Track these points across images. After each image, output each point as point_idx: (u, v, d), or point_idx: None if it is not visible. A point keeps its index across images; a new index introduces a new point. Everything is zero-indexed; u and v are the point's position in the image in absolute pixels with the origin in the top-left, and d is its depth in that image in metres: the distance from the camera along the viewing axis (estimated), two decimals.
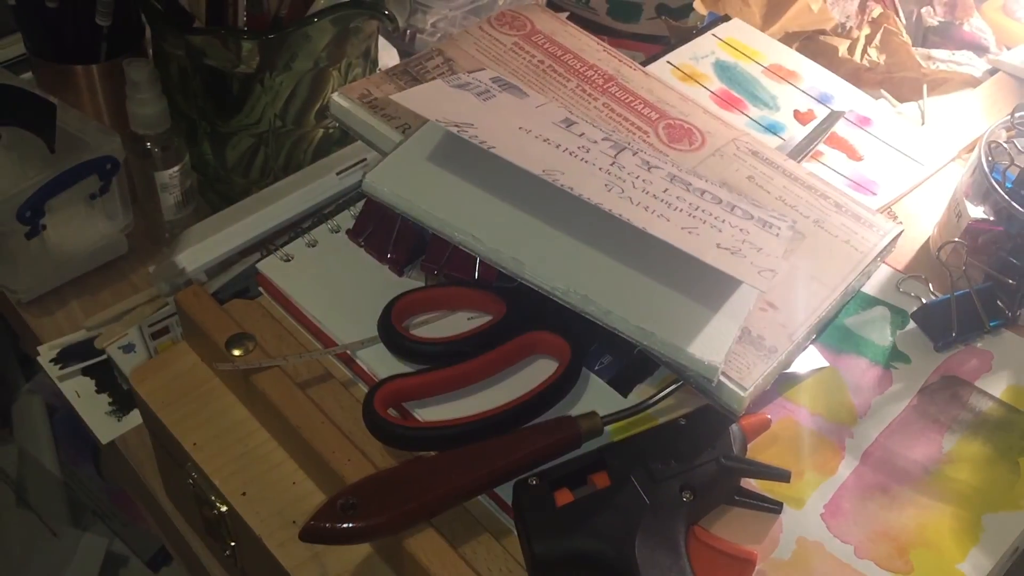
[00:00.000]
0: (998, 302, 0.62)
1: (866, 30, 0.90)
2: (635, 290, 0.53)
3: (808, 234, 0.60)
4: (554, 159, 0.56)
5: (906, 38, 0.89)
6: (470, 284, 0.59)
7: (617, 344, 0.54)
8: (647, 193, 0.56)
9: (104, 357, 0.73)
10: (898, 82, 0.85)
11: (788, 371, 0.56)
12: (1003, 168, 0.66)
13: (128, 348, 0.72)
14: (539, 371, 0.56)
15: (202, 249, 0.71)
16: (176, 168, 0.76)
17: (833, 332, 0.61)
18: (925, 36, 0.96)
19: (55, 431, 1.09)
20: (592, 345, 0.58)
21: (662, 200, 0.56)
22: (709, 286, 0.53)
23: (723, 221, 0.56)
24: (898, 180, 0.72)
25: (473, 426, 0.52)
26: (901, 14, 0.94)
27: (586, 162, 0.57)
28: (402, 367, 0.56)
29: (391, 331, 0.56)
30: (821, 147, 0.72)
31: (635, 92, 0.68)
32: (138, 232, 0.80)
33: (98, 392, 0.72)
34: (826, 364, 0.59)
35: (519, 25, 0.72)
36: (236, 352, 0.58)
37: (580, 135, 0.60)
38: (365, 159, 0.76)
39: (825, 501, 0.53)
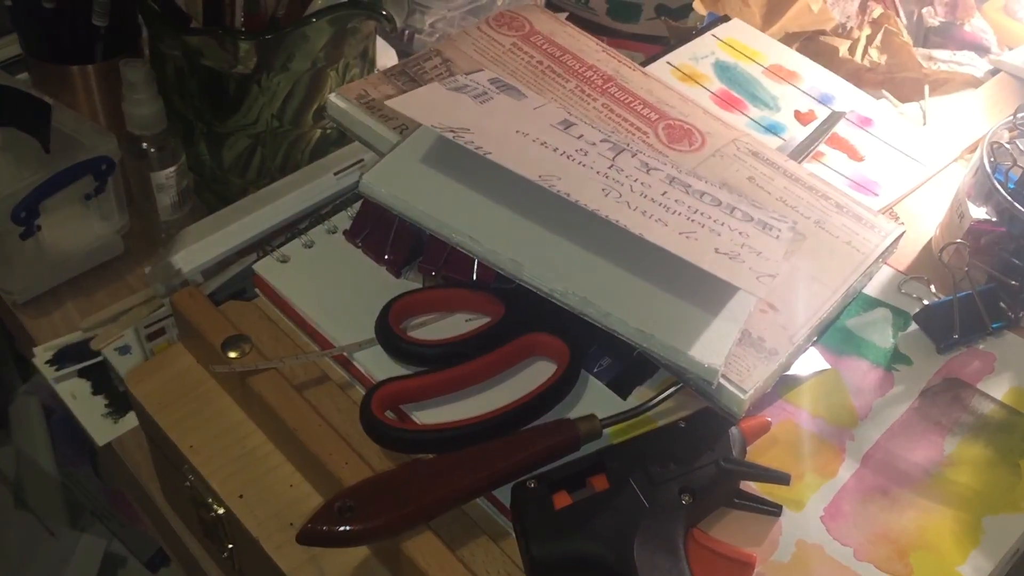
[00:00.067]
0: (1000, 304, 0.62)
1: (867, 30, 0.90)
2: (634, 292, 0.53)
3: (809, 235, 0.60)
4: (551, 163, 0.56)
5: (907, 38, 0.89)
6: (468, 286, 0.59)
7: (616, 346, 0.54)
8: (645, 197, 0.55)
9: (100, 359, 0.73)
10: (899, 82, 0.85)
11: (789, 373, 0.56)
12: (1005, 169, 0.66)
13: (124, 350, 0.72)
14: (538, 373, 0.56)
15: (198, 250, 0.71)
16: (172, 168, 0.75)
17: (834, 334, 0.61)
18: (926, 36, 0.96)
19: (52, 432, 1.09)
20: (591, 347, 0.57)
21: (660, 204, 0.55)
22: (709, 288, 0.53)
23: (722, 224, 0.55)
24: (900, 181, 0.72)
25: (471, 429, 0.52)
26: (902, 14, 0.94)
27: (584, 165, 0.56)
28: (399, 369, 0.56)
29: (388, 333, 0.56)
30: (822, 148, 0.72)
31: (635, 93, 0.68)
32: (134, 233, 0.80)
33: (94, 394, 0.72)
34: (827, 366, 0.59)
35: (518, 26, 0.71)
36: (232, 354, 0.58)
37: (578, 137, 0.59)
38: (362, 160, 0.76)
39: (825, 504, 0.53)
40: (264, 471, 0.57)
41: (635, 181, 0.56)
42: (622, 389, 0.56)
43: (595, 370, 0.57)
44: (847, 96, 0.77)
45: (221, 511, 0.56)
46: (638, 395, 0.56)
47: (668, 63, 0.78)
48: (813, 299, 0.56)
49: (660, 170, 0.59)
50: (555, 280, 0.53)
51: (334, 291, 0.60)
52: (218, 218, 0.73)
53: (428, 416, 0.54)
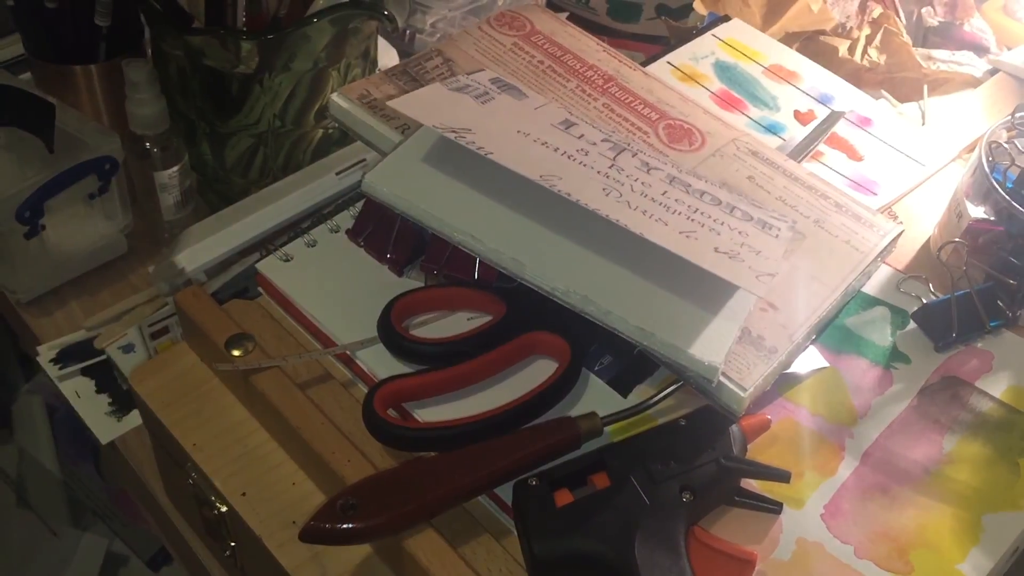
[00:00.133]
0: (999, 302, 0.62)
1: (866, 30, 0.90)
2: (635, 290, 0.53)
3: (808, 234, 0.60)
4: (552, 163, 0.56)
5: (906, 38, 0.89)
6: (470, 284, 0.59)
7: (617, 344, 0.54)
8: (645, 196, 0.56)
9: (104, 357, 0.73)
10: (898, 82, 0.85)
11: (788, 371, 0.56)
12: (1004, 168, 0.66)
13: (128, 348, 0.72)
14: (539, 371, 0.56)
15: (201, 249, 0.71)
16: (175, 168, 0.75)
17: (833, 332, 0.61)
18: (925, 36, 0.96)
19: (55, 431, 1.09)
20: (592, 345, 0.58)
21: (660, 203, 0.55)
22: (709, 286, 0.53)
23: (722, 224, 0.56)
24: (898, 180, 0.72)
25: (473, 427, 0.52)
26: (901, 14, 0.94)
27: (584, 165, 0.57)
28: (402, 367, 0.56)
29: (391, 331, 0.56)
30: (821, 147, 0.72)
31: (635, 92, 0.68)
32: (137, 232, 0.80)
33: (98, 392, 0.72)
34: (826, 364, 0.59)
35: (519, 25, 0.71)
36: (236, 352, 0.58)
37: (579, 137, 0.60)
38: (364, 159, 0.76)
39: (825, 501, 0.53)
40: (267, 469, 0.57)
41: (635, 181, 0.57)
42: (623, 387, 0.56)
43: (596, 368, 0.57)
44: (846, 96, 0.78)
45: (224, 509, 0.57)
46: (639, 393, 0.56)
47: (668, 63, 0.78)
48: (812, 298, 0.56)
49: (660, 170, 0.59)
50: (556, 279, 0.53)
51: (337, 290, 0.61)
52: (221, 217, 0.73)
53: (430, 414, 0.54)
